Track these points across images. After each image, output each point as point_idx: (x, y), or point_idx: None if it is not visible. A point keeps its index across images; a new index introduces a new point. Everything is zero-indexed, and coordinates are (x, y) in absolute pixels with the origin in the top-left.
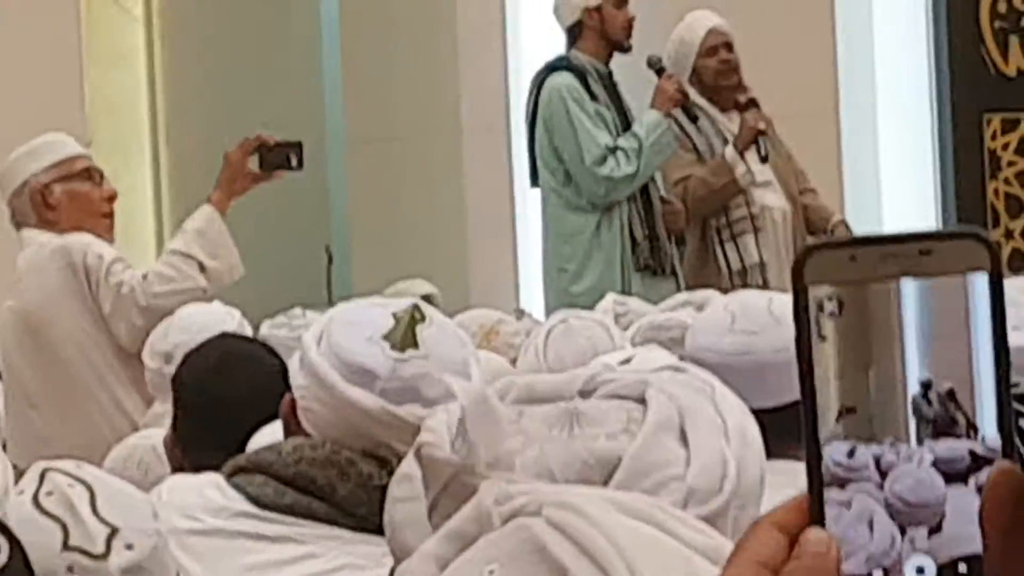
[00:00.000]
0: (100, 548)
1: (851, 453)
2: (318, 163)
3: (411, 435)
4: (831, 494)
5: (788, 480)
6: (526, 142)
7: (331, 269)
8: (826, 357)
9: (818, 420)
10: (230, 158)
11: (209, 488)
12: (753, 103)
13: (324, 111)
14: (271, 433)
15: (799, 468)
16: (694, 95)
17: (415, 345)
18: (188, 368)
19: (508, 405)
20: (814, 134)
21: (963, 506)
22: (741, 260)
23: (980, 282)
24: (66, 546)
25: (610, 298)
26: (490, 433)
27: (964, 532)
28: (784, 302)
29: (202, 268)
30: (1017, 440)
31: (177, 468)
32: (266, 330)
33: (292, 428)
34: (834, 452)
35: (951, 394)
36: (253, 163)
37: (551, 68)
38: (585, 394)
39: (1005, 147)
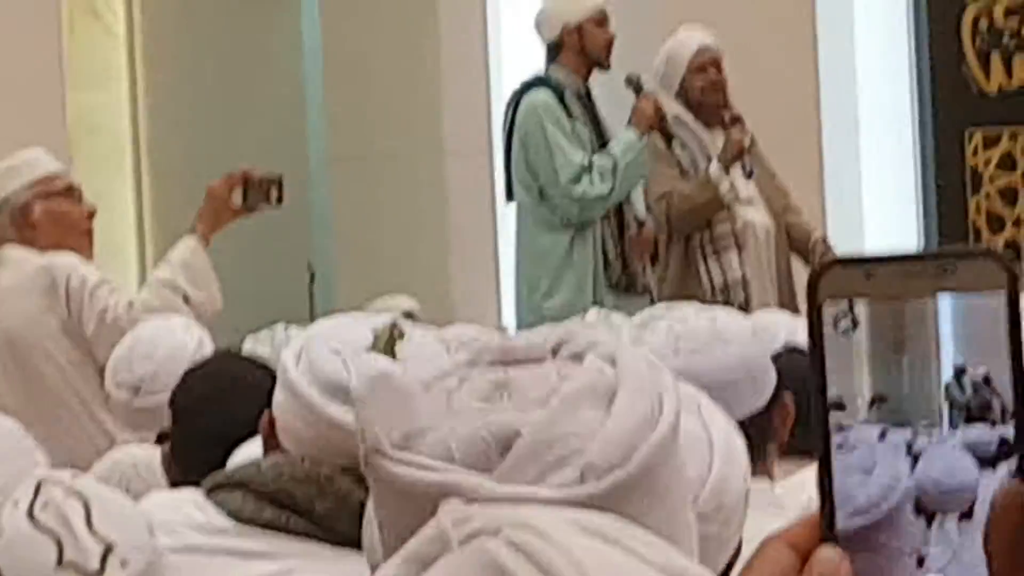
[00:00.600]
0: (95, 565)
1: (882, 435)
2: (301, 181)
3: None
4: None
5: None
6: (503, 159)
7: (312, 286)
8: (857, 344)
9: (831, 442)
10: (214, 192)
11: (188, 505)
12: (738, 120)
13: (307, 129)
14: (251, 450)
15: (754, 484)
16: (680, 111)
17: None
18: (186, 390)
19: (485, 368)
20: (796, 151)
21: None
22: (724, 276)
23: (997, 302)
24: (60, 563)
25: (593, 312)
26: (396, 412)
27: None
28: (728, 320)
29: (186, 299)
30: None
31: (174, 485)
32: (249, 345)
33: (271, 445)
34: (859, 446)
35: (986, 380)
36: (237, 195)
37: (528, 85)
38: (555, 352)
39: (987, 163)
